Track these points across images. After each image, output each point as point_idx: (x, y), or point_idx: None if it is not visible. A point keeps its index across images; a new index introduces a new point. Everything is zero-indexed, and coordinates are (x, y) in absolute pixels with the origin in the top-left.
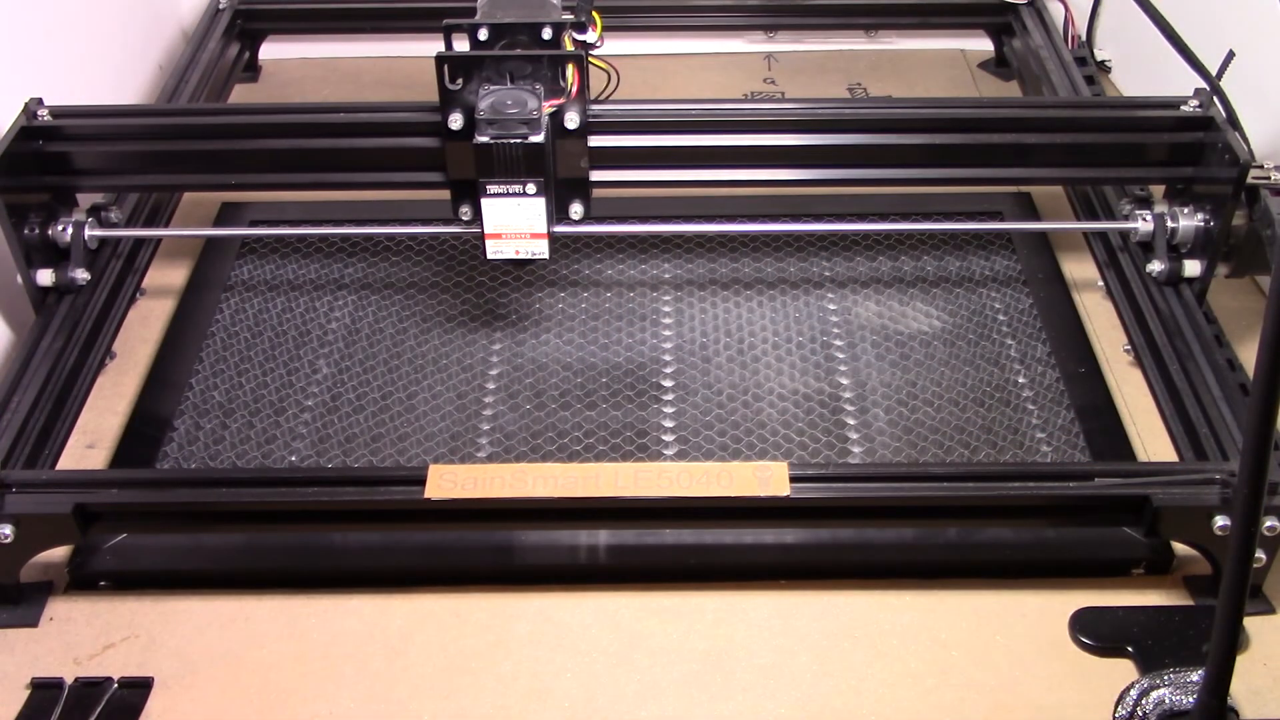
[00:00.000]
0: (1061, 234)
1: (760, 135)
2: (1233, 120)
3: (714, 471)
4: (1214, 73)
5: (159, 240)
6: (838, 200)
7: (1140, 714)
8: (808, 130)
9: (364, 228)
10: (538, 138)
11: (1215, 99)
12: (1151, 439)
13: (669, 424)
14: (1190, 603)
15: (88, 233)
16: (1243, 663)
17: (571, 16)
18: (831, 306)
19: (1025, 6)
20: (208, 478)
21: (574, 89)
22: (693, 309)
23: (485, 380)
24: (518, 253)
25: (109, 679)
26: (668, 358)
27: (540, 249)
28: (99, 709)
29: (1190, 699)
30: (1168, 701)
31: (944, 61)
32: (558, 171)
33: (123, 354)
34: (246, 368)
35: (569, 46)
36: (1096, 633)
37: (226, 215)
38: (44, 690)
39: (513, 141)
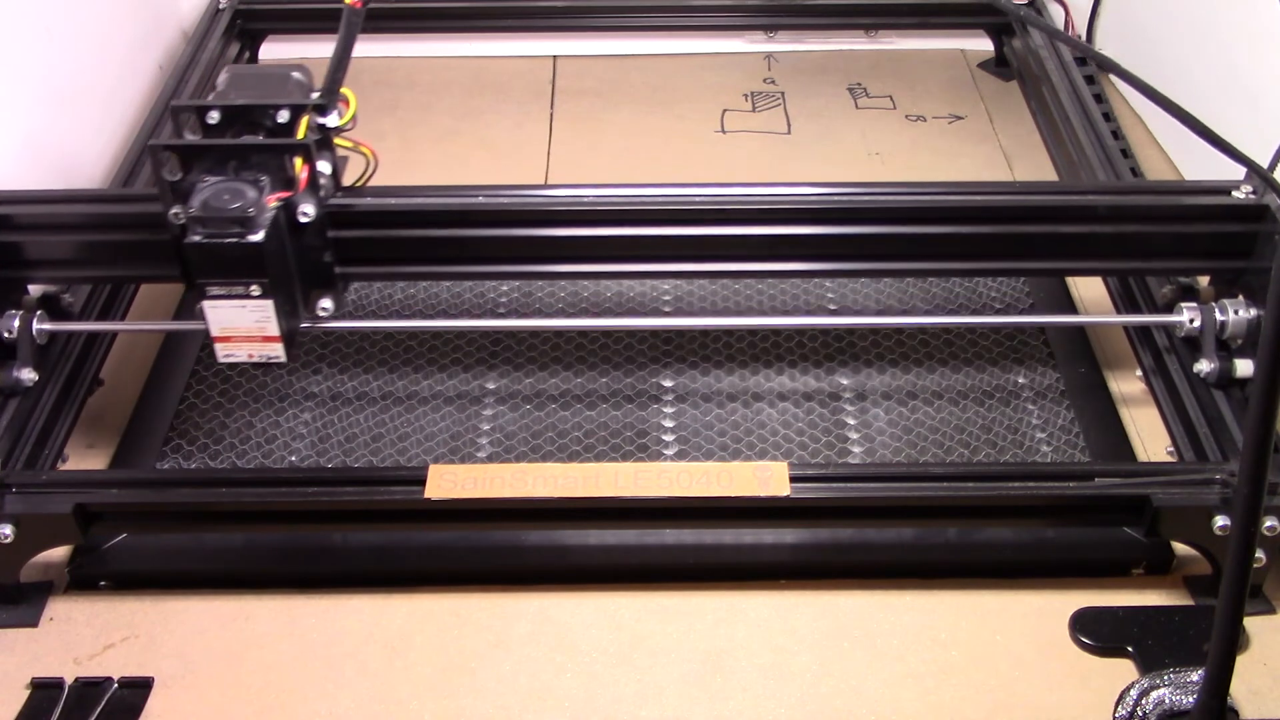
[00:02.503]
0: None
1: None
2: None
3: (714, 471)
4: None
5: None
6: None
7: (1140, 714)
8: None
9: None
10: (255, 237)
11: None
12: (1151, 439)
13: (669, 424)
14: (1190, 603)
15: (36, 327)
16: (1243, 663)
17: (317, 97)
18: (831, 307)
19: (1025, 7)
20: (208, 478)
21: (302, 181)
22: (693, 309)
23: (485, 380)
24: (251, 356)
25: (109, 679)
26: (668, 358)
27: (275, 352)
28: (99, 709)
29: (1190, 699)
30: (1168, 701)
31: (944, 61)
32: (298, 267)
33: (119, 364)
34: (245, 368)
35: (302, 133)
36: (1096, 633)
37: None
38: (44, 690)
39: (227, 241)
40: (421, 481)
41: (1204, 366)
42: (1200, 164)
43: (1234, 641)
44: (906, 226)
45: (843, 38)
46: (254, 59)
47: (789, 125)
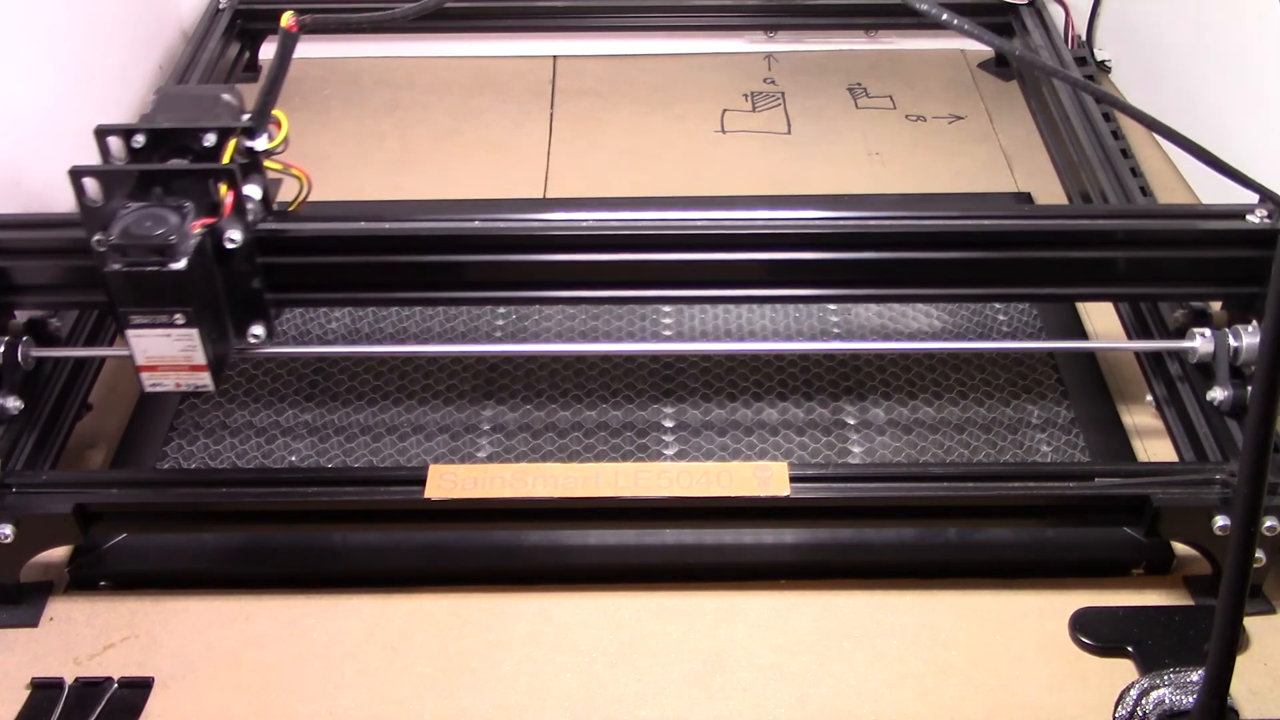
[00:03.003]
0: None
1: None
2: None
3: (714, 471)
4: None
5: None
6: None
7: (1140, 714)
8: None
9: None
10: (178, 265)
11: None
12: (1151, 439)
13: (669, 424)
14: (1190, 603)
15: (22, 353)
16: (1243, 663)
17: (247, 119)
18: (832, 306)
19: (1025, 6)
20: (208, 478)
21: (227, 206)
22: (692, 308)
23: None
24: (178, 385)
25: (109, 679)
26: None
27: (203, 381)
28: (99, 709)
29: (1190, 699)
30: (1168, 701)
31: (944, 61)
32: (227, 294)
33: (117, 369)
34: (246, 367)
35: (227, 157)
36: (1096, 633)
37: None
38: (44, 690)
39: (148, 270)
40: (421, 481)
41: (1218, 394)
42: (1200, 164)
43: (1234, 641)
44: (913, 252)
45: (843, 38)
46: (254, 59)
47: (789, 125)
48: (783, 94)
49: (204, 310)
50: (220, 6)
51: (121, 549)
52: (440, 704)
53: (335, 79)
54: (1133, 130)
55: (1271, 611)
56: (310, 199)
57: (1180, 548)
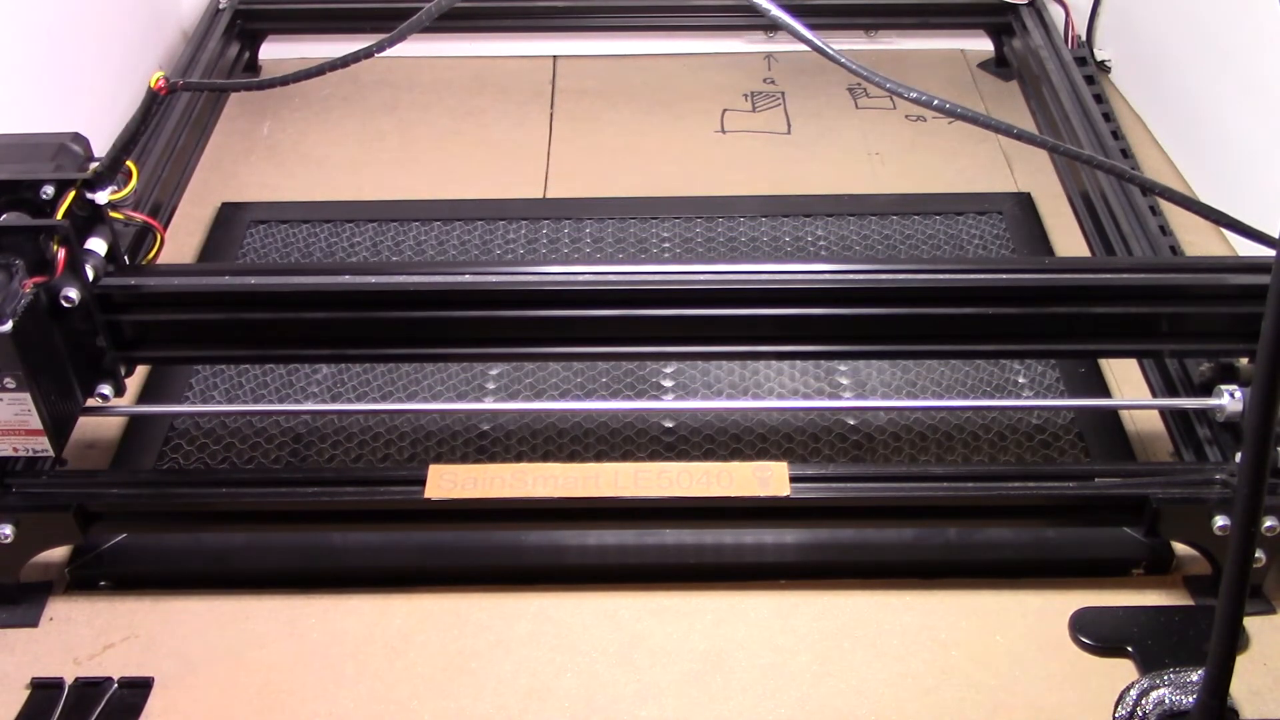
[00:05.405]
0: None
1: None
2: None
3: (714, 471)
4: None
5: None
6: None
7: (1140, 714)
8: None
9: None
10: (4, 327)
11: None
12: (1151, 439)
13: (669, 424)
14: (1190, 603)
15: None
16: (1243, 663)
17: (95, 167)
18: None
19: (1025, 6)
20: (208, 478)
21: (60, 263)
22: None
23: (485, 380)
24: (15, 450)
25: (109, 679)
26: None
27: (41, 446)
28: (99, 709)
29: (1190, 699)
30: (1168, 701)
31: (944, 61)
32: (70, 353)
33: None
34: (246, 368)
35: (61, 212)
36: (1096, 633)
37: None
38: (44, 690)
39: None
40: (421, 481)
41: None
42: (1200, 164)
43: (1234, 641)
44: (929, 307)
45: (843, 38)
46: (254, 59)
47: (789, 125)
48: (783, 94)
49: (38, 372)
50: (220, 6)
51: (121, 549)
52: (440, 704)
53: (335, 79)
54: (1132, 129)
55: (1271, 611)
56: (310, 199)
57: (1180, 548)
